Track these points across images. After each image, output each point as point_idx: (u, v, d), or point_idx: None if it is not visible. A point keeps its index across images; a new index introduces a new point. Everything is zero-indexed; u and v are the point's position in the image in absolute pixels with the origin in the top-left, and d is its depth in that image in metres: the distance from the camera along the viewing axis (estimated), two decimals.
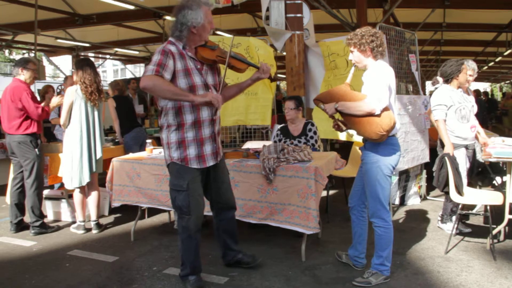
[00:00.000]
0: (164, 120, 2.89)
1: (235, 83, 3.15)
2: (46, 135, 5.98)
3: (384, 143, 2.98)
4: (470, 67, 4.19)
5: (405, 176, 5.24)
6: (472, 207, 4.52)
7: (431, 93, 5.15)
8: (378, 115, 2.88)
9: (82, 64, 4.38)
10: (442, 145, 4.05)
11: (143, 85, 2.62)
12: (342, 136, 5.29)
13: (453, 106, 3.98)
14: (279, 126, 4.85)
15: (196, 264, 3.04)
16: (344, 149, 6.63)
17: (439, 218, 4.31)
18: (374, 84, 2.92)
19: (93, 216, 4.42)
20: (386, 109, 2.92)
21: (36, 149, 4.31)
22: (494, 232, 3.73)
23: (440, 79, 4.10)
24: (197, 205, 2.94)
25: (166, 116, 2.87)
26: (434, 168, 3.88)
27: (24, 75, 4.30)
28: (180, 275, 3.10)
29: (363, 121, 2.91)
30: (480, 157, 4.35)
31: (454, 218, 4.25)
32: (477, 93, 13.13)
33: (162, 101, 2.87)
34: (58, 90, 7.26)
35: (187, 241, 2.97)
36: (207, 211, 3.42)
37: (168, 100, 2.79)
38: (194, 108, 2.83)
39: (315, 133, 4.54)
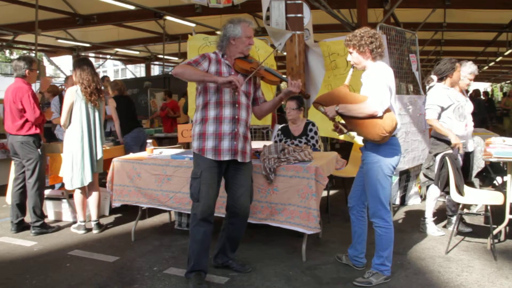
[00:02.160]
0: (195, 116, 3.15)
1: (270, 100, 3.35)
2: (47, 135, 5.98)
3: (384, 143, 2.98)
4: (470, 69, 4.21)
5: (405, 176, 5.24)
6: (469, 206, 4.53)
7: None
8: (381, 117, 2.87)
9: (80, 64, 4.37)
10: (434, 143, 4.09)
11: (174, 71, 2.98)
12: (341, 136, 5.28)
13: (452, 105, 3.97)
14: (279, 126, 4.85)
15: (201, 260, 3.05)
16: (344, 149, 6.63)
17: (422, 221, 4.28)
18: (375, 85, 2.91)
19: (94, 216, 4.42)
20: (387, 110, 2.91)
21: (39, 149, 4.32)
22: (495, 232, 3.73)
23: (434, 77, 4.10)
24: (207, 193, 3.02)
25: (197, 112, 3.14)
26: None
27: (28, 76, 4.30)
28: (186, 272, 3.10)
29: (366, 123, 2.91)
30: (480, 157, 4.36)
31: (453, 218, 4.26)
32: (476, 93, 13.12)
33: (196, 99, 3.13)
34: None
35: (194, 230, 3.05)
36: (220, 213, 3.43)
37: (196, 82, 3.08)
38: (217, 105, 3.04)
39: (315, 133, 4.54)
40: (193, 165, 3.11)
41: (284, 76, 3.27)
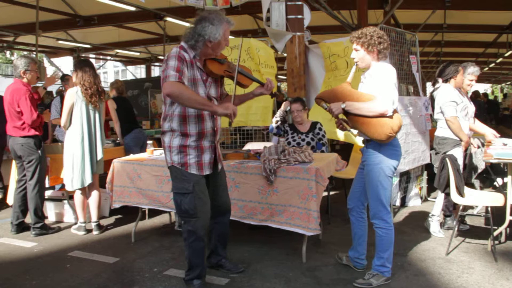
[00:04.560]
0: (168, 125, 2.91)
1: (237, 95, 3.17)
2: (46, 136, 5.96)
3: (385, 144, 2.98)
4: (470, 69, 4.26)
5: (406, 178, 5.23)
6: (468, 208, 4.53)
7: (430, 94, 5.16)
8: (390, 116, 2.88)
9: (81, 65, 4.37)
10: (441, 142, 4.14)
11: (169, 91, 2.62)
12: (341, 136, 5.28)
13: (461, 103, 4.10)
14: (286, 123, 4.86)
15: (203, 267, 3.04)
16: (344, 150, 6.63)
17: (430, 219, 4.30)
18: (384, 85, 2.90)
19: (94, 217, 4.42)
20: (394, 110, 2.92)
21: (39, 151, 4.31)
22: (495, 233, 3.73)
23: (440, 80, 4.27)
24: (204, 206, 2.93)
25: (171, 121, 2.89)
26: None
27: (26, 78, 4.30)
28: (185, 279, 3.07)
29: (373, 122, 2.90)
30: (481, 158, 4.37)
31: (449, 219, 4.28)
32: (476, 94, 13.12)
33: (170, 107, 2.88)
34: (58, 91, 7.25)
35: (195, 244, 2.94)
36: None
37: (191, 108, 2.81)
38: (199, 118, 2.88)
39: (325, 132, 4.66)
40: (177, 180, 2.93)
41: (257, 78, 3.12)
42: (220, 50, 2.92)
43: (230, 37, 3.09)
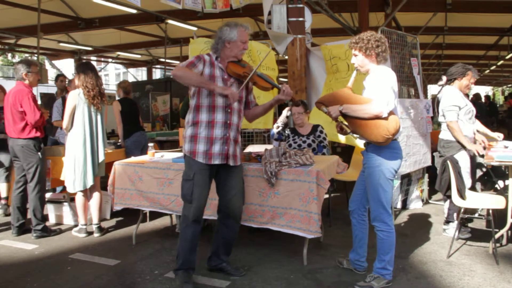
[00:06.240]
0: (187, 118, 3.16)
1: (261, 104, 3.37)
2: (45, 138, 5.96)
3: (386, 146, 2.98)
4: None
5: (407, 180, 5.23)
6: (474, 211, 4.51)
7: (433, 96, 5.17)
8: (385, 118, 2.88)
9: (84, 68, 4.39)
10: (446, 146, 4.12)
11: (173, 73, 3.01)
12: (342, 138, 5.28)
13: (466, 106, 4.08)
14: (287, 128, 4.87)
15: (190, 257, 3.08)
16: (346, 152, 6.63)
17: (445, 226, 4.27)
18: (380, 87, 2.91)
19: (95, 220, 4.42)
20: (391, 112, 2.92)
21: (39, 153, 4.32)
22: (497, 236, 3.72)
23: (444, 77, 4.27)
24: (200, 195, 3.05)
25: (189, 114, 3.15)
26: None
27: (27, 79, 4.32)
28: (174, 269, 3.14)
29: (370, 124, 2.91)
30: (482, 160, 4.37)
31: (451, 224, 4.27)
32: (477, 97, 13.13)
33: (190, 100, 3.14)
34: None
35: (184, 231, 3.08)
36: (209, 215, 3.44)
37: (194, 86, 3.08)
38: (210, 109, 3.06)
39: (326, 135, 4.65)
40: (185, 167, 3.15)
41: (277, 83, 3.26)
42: (239, 51, 3.12)
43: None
